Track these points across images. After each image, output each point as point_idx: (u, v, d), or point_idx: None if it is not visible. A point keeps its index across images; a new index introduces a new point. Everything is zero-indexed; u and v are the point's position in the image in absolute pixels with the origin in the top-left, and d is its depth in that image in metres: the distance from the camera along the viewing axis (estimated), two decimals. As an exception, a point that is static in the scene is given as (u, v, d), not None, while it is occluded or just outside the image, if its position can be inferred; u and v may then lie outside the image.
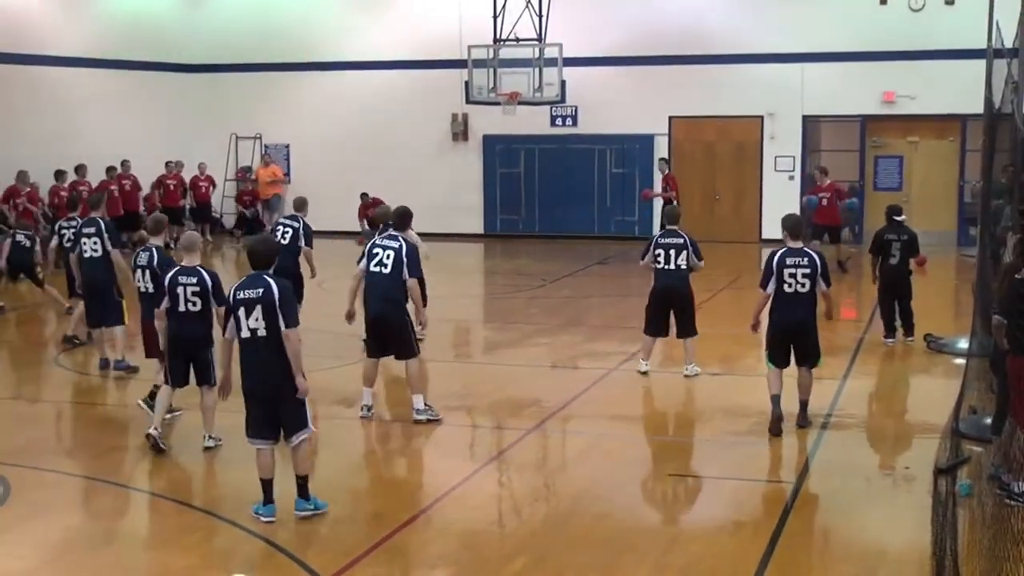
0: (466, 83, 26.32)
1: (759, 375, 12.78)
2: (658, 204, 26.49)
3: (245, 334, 9.17)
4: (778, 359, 11.73)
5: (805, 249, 11.62)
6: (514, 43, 25.75)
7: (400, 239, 12.05)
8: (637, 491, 10.49)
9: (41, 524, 9.55)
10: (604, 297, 21.71)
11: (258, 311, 9.11)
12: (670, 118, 28.65)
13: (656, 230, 28.66)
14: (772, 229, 27.59)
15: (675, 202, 24.54)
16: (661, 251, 13.89)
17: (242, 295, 9.24)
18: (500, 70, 25.74)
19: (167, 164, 28.84)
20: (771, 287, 11.53)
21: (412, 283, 12.01)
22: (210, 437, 11.30)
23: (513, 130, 28.38)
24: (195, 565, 8.64)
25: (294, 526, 9.20)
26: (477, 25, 26.63)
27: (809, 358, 11.77)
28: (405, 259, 11.91)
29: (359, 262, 12.19)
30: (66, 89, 27.15)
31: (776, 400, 11.61)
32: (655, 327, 14.25)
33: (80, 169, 25.95)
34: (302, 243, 15.90)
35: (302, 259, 16.04)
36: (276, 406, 9.23)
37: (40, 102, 26.39)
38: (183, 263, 11.12)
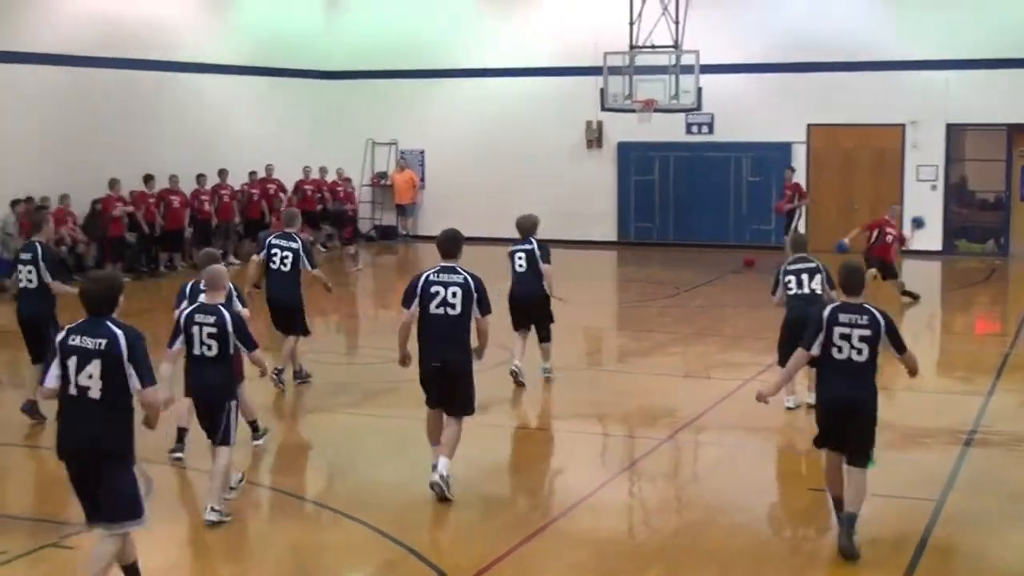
0: (601, 90, 26.25)
1: (898, 389, 12.52)
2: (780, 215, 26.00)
3: (71, 391, 7.37)
4: (833, 441, 9.05)
5: (865, 305, 8.95)
6: (650, 50, 25.60)
7: (462, 271, 10.00)
8: (773, 505, 10.33)
9: (179, 523, 9.74)
10: (738, 307, 21.45)
11: (95, 367, 7.30)
12: (808, 126, 28.22)
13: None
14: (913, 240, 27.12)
15: (802, 211, 24.42)
16: (792, 277, 12.59)
17: (75, 341, 7.39)
18: (636, 77, 25.60)
19: (305, 169, 29.32)
20: (816, 348, 8.93)
21: (486, 324, 10.14)
22: (213, 510, 9.31)
23: (648, 137, 28.19)
24: (330, 565, 8.74)
25: (429, 530, 9.25)
26: (613, 32, 26.51)
27: (860, 453, 8.90)
28: (476, 294, 9.96)
29: (406, 303, 10.07)
30: (211, 95, 27.78)
31: (841, 505, 8.98)
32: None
33: (222, 173, 26.56)
34: (305, 265, 13.73)
35: (304, 283, 14.04)
36: (97, 482, 7.44)
37: (187, 108, 27.03)
38: (202, 299, 9.76)
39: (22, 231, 22.38)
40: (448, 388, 10.07)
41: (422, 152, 31.71)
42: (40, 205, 22.67)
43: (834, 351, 8.84)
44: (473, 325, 10.04)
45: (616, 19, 26.29)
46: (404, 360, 10.31)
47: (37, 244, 12.54)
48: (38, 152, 23.26)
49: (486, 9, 30.72)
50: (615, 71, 25.75)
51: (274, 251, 13.65)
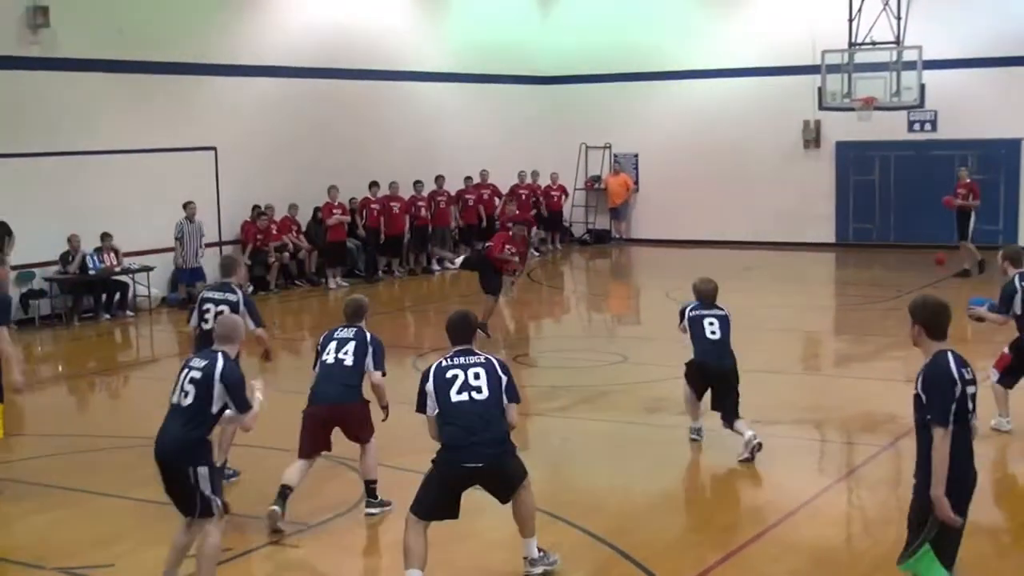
0: (819, 89, 25.71)
1: None
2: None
3: None
4: (952, 549, 6.96)
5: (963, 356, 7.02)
6: (871, 47, 24.95)
7: (482, 353, 8.32)
8: (1002, 516, 9.89)
9: (397, 522, 9.90)
10: (963, 310, 20.64)
11: None
12: (1039, 121, 27.07)
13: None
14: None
15: (976, 213, 23.48)
16: None
17: None
18: (855, 75, 24.99)
19: (520, 173, 29.59)
20: (951, 424, 6.69)
21: (515, 414, 8.27)
22: None
23: (867, 136, 27.48)
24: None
25: (642, 535, 9.18)
26: (831, 29, 25.93)
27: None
28: (503, 376, 8.20)
29: (420, 406, 8.23)
30: (427, 102, 28.33)
31: None
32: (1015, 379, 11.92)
33: (439, 179, 27.02)
34: (248, 323, 10.47)
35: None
36: None
37: (405, 116, 27.63)
38: (212, 346, 8.26)
39: (247, 238, 23.29)
40: (489, 488, 8.30)
41: (636, 155, 31.61)
42: (262, 212, 23.51)
43: (970, 418, 6.80)
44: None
45: (834, 16, 25.72)
46: None
47: None
48: (266, 161, 24.14)
49: (699, 10, 30.43)
50: (833, 69, 25.23)
51: (207, 307, 10.85)
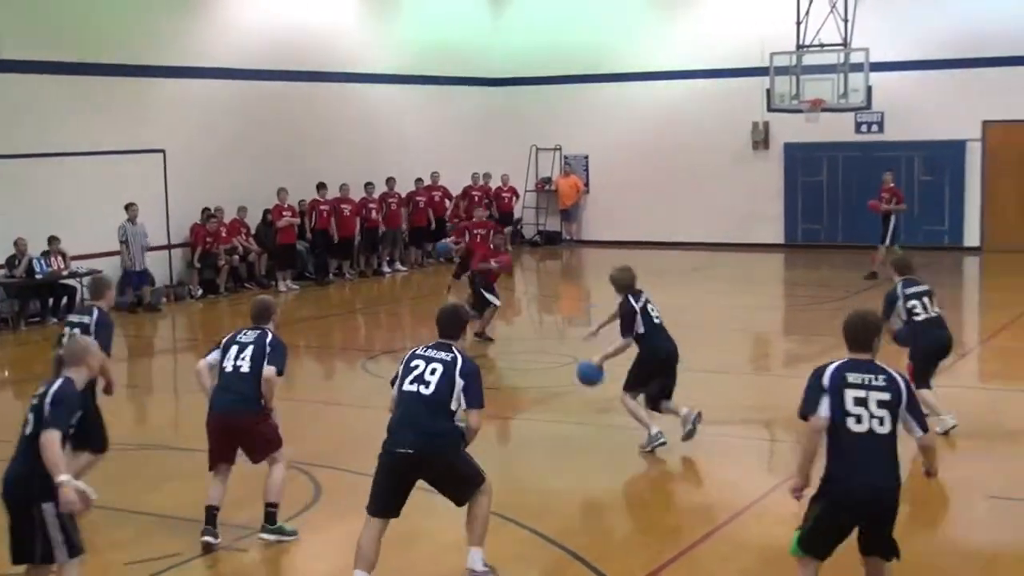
0: (767, 91, 25.87)
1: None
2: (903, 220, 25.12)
3: None
4: (819, 545, 7.25)
5: (878, 363, 7.27)
6: (818, 49, 25.14)
7: (457, 352, 8.18)
8: (947, 515, 10.00)
9: (349, 525, 9.87)
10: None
11: None
12: (984, 123, 27.34)
13: (968, 239, 27.49)
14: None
15: (898, 217, 23.54)
16: (916, 302, 12.02)
17: None
18: (803, 77, 25.16)
19: (473, 175, 29.59)
20: (824, 413, 7.10)
21: (476, 420, 8.20)
22: None
23: (815, 138, 27.70)
24: (495, 570, 8.74)
25: (593, 535, 9.20)
26: (779, 31, 26.10)
27: (885, 545, 7.24)
28: (463, 379, 8.08)
29: (394, 382, 8.32)
30: (376, 105, 28.24)
31: None
32: (929, 379, 12.42)
33: (389, 181, 26.95)
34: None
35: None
36: None
37: (356, 117, 27.51)
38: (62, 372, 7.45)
39: (196, 241, 23.13)
40: (434, 483, 8.26)
41: (586, 157, 31.70)
42: (211, 214, 23.36)
43: (850, 422, 7.00)
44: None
45: (782, 19, 25.89)
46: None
47: None
48: (215, 164, 23.97)
49: (650, 12, 30.56)
50: (782, 71, 25.37)
51: (65, 329, 10.37)
